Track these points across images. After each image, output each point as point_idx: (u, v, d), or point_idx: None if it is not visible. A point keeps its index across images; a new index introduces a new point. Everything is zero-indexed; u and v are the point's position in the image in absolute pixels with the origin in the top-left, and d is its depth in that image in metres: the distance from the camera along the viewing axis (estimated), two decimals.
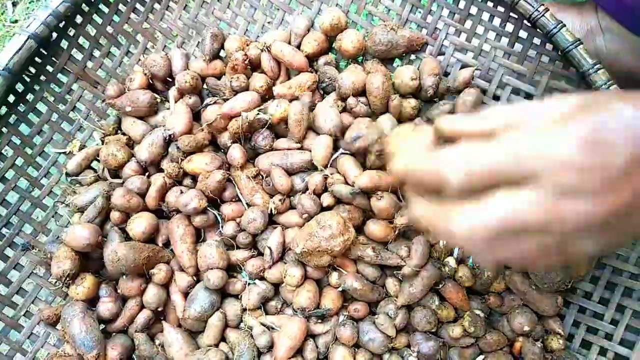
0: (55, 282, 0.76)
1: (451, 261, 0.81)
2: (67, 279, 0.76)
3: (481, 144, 0.39)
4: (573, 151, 0.35)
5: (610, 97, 0.38)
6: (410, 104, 0.90)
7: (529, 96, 0.91)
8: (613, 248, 0.77)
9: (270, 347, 0.76)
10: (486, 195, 0.38)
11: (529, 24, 0.87)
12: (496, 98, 0.93)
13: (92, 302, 0.80)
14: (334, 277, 0.81)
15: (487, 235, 0.38)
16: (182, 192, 0.81)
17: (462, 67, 0.94)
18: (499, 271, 0.84)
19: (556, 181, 0.35)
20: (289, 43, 0.92)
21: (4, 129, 0.85)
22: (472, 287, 0.82)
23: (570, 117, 0.37)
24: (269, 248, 0.81)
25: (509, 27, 0.91)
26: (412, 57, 0.96)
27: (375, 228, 0.81)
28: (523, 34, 0.90)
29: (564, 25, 0.83)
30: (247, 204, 0.85)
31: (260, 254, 0.84)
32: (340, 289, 0.81)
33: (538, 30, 0.86)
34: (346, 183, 0.82)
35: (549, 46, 0.88)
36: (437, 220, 0.42)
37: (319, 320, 0.79)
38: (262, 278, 0.82)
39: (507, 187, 0.37)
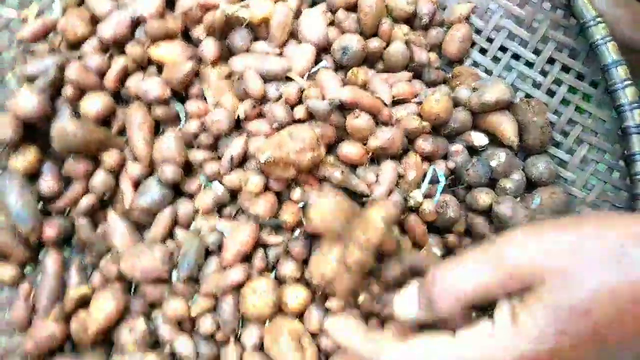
0: None
1: (417, 194, 0.79)
2: (8, 147, 0.70)
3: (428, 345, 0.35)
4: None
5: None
6: (403, 30, 0.85)
7: (524, 43, 0.88)
8: None
9: (220, 248, 0.73)
10: None
11: None
12: (490, 40, 0.90)
13: (33, 178, 0.75)
14: (296, 193, 0.78)
15: None
16: (144, 78, 0.75)
17: (460, 2, 0.90)
18: (462, 213, 0.82)
19: None
20: None
21: None
22: (434, 223, 0.80)
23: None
24: (231, 155, 0.76)
25: None
26: None
27: (350, 150, 0.77)
28: None
29: None
30: (213, 104, 0.80)
31: (220, 157, 0.79)
32: (301, 205, 0.78)
33: None
34: (323, 99, 0.78)
35: None
36: None
37: (273, 232, 0.76)
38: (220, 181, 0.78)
39: None
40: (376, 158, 0.80)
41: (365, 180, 0.78)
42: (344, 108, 0.78)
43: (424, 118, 0.81)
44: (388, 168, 0.78)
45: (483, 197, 0.80)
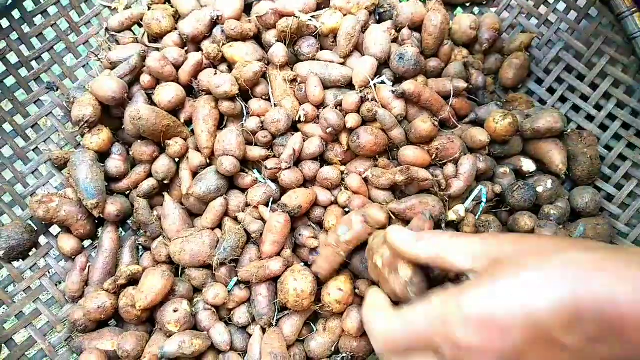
0: (72, 127, 0.75)
1: (461, 209, 0.80)
2: (85, 125, 0.75)
3: (397, 317, 0.46)
4: (465, 333, 0.38)
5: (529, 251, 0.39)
6: (462, 52, 0.88)
7: (581, 77, 0.89)
8: None
9: (261, 236, 0.76)
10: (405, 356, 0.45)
11: (601, 2, 0.85)
12: (547, 71, 0.91)
13: (102, 158, 0.80)
14: (342, 197, 0.80)
15: None
16: (216, 74, 0.80)
17: (522, 32, 0.92)
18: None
19: (454, 356, 0.39)
20: None
21: None
22: None
23: (467, 291, 0.39)
24: (293, 148, 0.79)
25: (581, 2, 0.88)
26: (476, 10, 0.93)
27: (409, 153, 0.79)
28: (593, 11, 0.88)
29: (638, 11, 0.81)
30: (275, 104, 0.83)
31: (275, 156, 0.83)
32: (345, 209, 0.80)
33: (609, 10, 0.84)
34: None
35: (616, 29, 0.86)
36: None
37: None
38: (273, 180, 0.81)
39: (422, 352, 0.43)
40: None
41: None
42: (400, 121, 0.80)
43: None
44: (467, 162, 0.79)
45: (526, 220, 0.81)
